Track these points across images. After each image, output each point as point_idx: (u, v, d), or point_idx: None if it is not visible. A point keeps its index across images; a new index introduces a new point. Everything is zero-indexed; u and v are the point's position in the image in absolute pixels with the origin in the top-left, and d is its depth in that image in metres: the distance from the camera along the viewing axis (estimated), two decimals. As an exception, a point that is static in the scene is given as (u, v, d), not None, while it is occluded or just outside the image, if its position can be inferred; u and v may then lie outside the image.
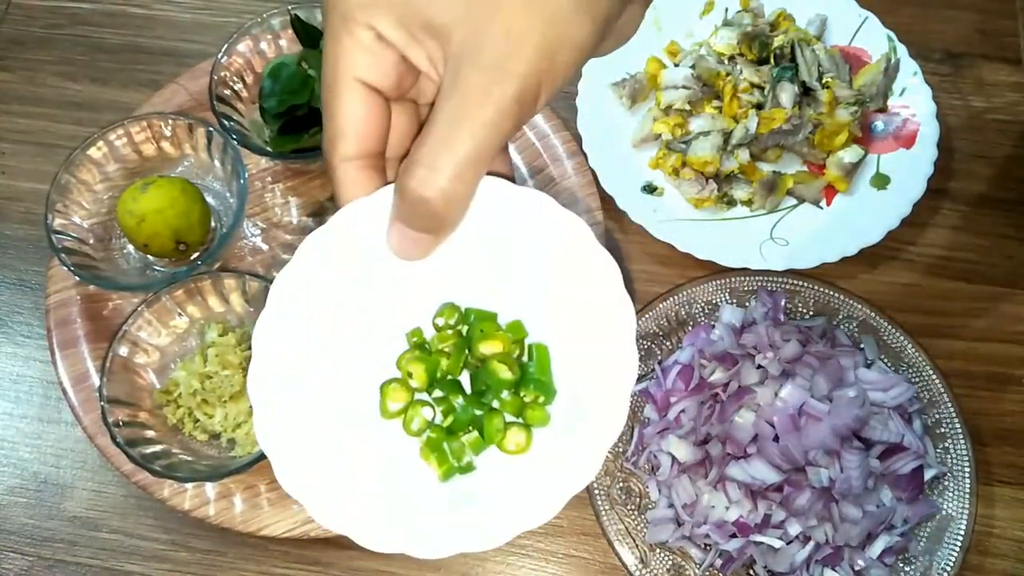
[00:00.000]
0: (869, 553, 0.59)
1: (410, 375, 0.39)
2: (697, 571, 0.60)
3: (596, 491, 0.62)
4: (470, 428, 0.39)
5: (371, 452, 0.39)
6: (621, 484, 0.63)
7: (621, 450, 0.64)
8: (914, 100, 0.75)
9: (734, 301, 0.68)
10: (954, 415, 0.63)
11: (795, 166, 0.75)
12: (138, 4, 0.86)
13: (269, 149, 0.70)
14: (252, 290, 0.66)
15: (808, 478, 0.58)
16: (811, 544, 0.58)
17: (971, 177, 0.76)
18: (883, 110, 0.76)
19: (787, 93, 0.72)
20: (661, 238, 0.69)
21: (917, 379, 0.65)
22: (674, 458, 0.61)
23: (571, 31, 0.31)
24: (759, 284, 0.68)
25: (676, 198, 0.73)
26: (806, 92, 0.73)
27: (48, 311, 0.68)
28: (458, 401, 0.39)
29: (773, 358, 0.61)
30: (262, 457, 0.59)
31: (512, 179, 0.37)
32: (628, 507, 0.62)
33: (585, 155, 0.72)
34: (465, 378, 0.40)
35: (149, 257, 0.70)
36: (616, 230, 0.73)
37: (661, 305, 0.68)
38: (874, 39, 0.77)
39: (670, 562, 0.61)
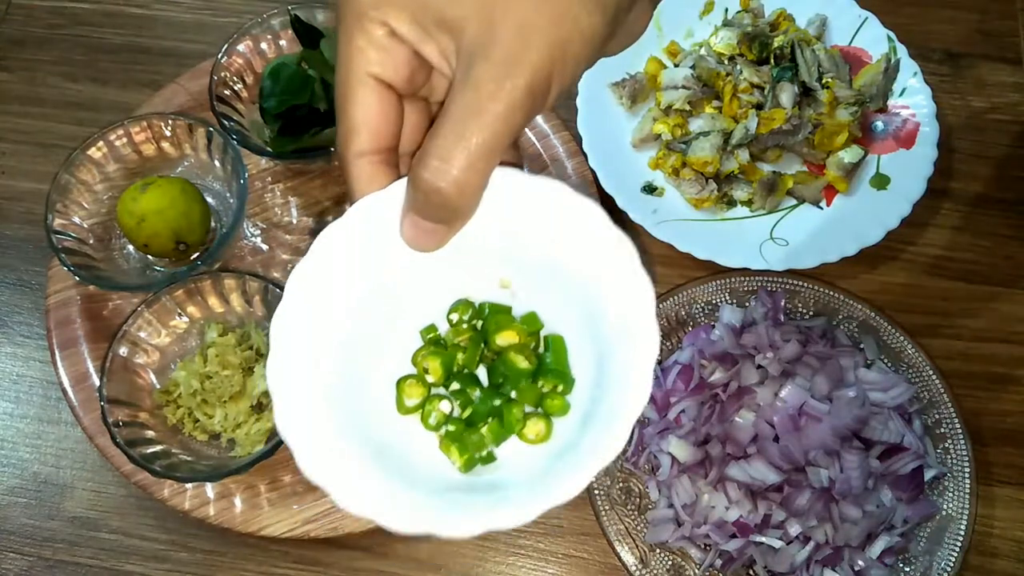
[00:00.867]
0: (869, 553, 0.59)
1: (426, 371, 0.40)
2: (697, 571, 0.61)
3: (596, 491, 0.62)
4: (489, 419, 0.39)
5: (391, 443, 0.39)
6: (621, 484, 0.63)
7: (621, 450, 0.64)
8: (914, 100, 0.75)
9: (734, 301, 0.68)
10: (954, 415, 0.63)
11: (795, 166, 0.75)
12: (138, 4, 0.86)
13: (269, 149, 0.70)
14: (252, 290, 0.66)
15: (808, 478, 0.58)
16: (811, 544, 0.58)
17: (971, 177, 0.76)
18: (883, 110, 0.76)
19: (787, 93, 0.72)
20: (661, 238, 0.69)
21: (917, 379, 0.65)
22: (674, 458, 0.61)
23: (582, 25, 0.32)
24: (759, 284, 0.68)
25: (676, 198, 0.73)
26: (806, 92, 0.73)
27: (48, 311, 0.68)
28: (475, 394, 0.40)
29: (773, 358, 0.61)
30: (262, 457, 0.59)
31: (522, 167, 0.37)
32: (628, 507, 0.62)
33: (585, 155, 0.72)
34: (482, 374, 0.40)
35: (149, 257, 0.70)
36: (616, 230, 0.73)
37: (661, 305, 0.68)
38: (874, 39, 0.77)
39: (670, 562, 0.61)
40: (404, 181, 0.35)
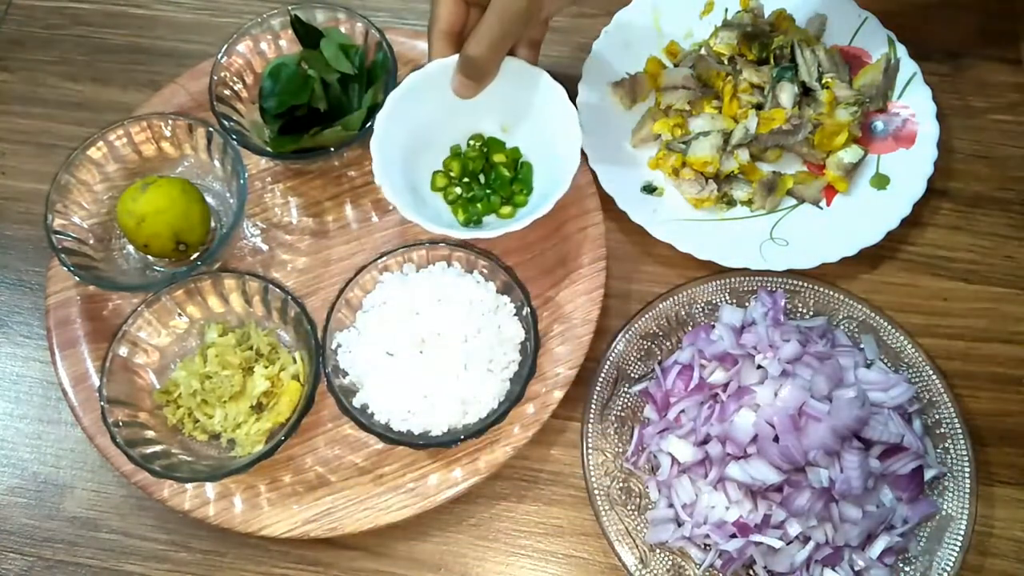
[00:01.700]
0: (869, 553, 0.59)
1: (450, 169, 0.71)
2: (697, 571, 0.61)
3: (596, 491, 0.62)
4: (481, 201, 0.70)
5: (428, 203, 0.69)
6: (621, 484, 0.63)
7: (621, 450, 0.64)
8: (914, 100, 0.75)
9: (734, 301, 0.68)
10: (954, 415, 0.63)
11: (795, 166, 0.75)
12: (139, 4, 0.86)
13: (269, 149, 0.70)
14: (252, 290, 0.66)
15: (808, 478, 0.58)
16: (811, 544, 0.58)
17: (971, 177, 0.76)
18: (883, 110, 0.75)
19: (787, 93, 0.72)
20: (661, 238, 0.69)
21: (917, 379, 0.65)
22: (674, 458, 0.61)
23: None
24: (759, 284, 0.68)
25: (676, 198, 0.73)
26: (806, 92, 0.73)
27: (48, 311, 0.68)
28: (476, 186, 0.71)
29: (773, 358, 0.61)
30: (262, 457, 0.59)
31: (535, 63, 0.66)
32: (628, 507, 0.62)
33: (585, 155, 0.72)
34: (482, 178, 0.72)
35: (149, 257, 0.70)
36: (616, 230, 0.73)
37: (661, 305, 0.68)
38: (874, 39, 0.77)
39: (670, 562, 0.61)
40: (457, 56, 0.63)
